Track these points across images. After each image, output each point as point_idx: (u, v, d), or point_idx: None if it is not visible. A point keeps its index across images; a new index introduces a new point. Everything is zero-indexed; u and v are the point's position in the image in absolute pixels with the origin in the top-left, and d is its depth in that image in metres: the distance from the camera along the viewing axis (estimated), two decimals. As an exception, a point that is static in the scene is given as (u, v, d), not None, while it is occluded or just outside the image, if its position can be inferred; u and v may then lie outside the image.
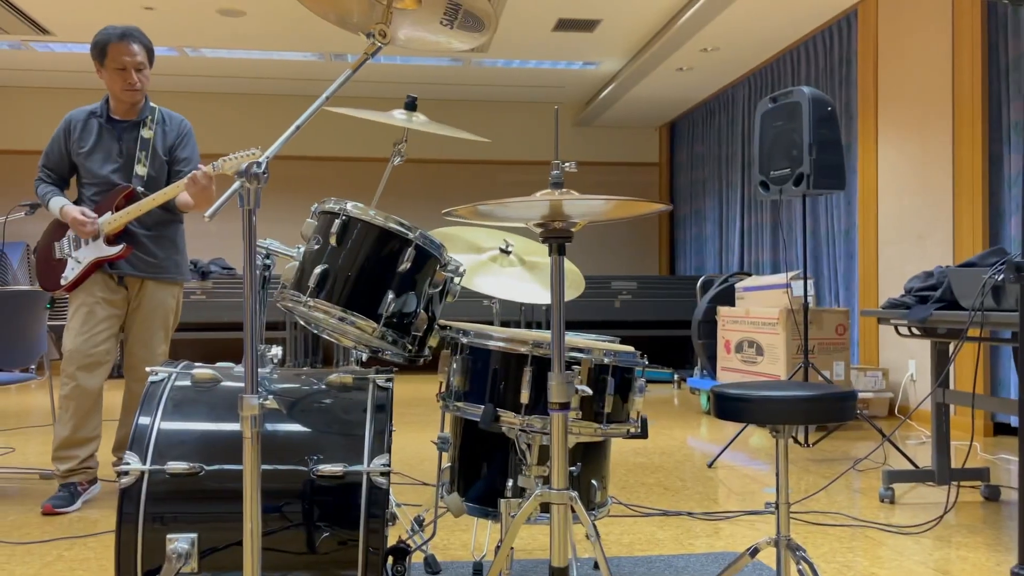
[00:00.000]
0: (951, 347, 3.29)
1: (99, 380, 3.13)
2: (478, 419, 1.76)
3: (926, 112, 5.18)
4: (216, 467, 1.66)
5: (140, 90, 3.17)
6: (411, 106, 2.62)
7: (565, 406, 1.55)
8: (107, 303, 3.14)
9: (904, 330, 3.25)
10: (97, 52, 3.11)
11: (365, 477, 1.67)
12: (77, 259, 3.11)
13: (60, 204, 3.14)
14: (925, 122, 5.18)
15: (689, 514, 2.98)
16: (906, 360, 5.34)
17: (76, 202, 3.19)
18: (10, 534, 2.76)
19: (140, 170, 3.17)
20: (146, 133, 3.21)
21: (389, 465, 1.69)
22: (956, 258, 4.90)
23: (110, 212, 3.10)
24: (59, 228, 3.20)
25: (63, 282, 3.12)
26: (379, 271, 1.78)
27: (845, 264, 6.03)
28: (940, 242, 5.05)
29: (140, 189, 3.15)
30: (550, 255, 1.57)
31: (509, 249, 2.43)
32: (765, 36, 6.64)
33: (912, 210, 5.29)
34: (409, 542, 1.83)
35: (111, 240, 3.10)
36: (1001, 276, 2.63)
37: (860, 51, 5.80)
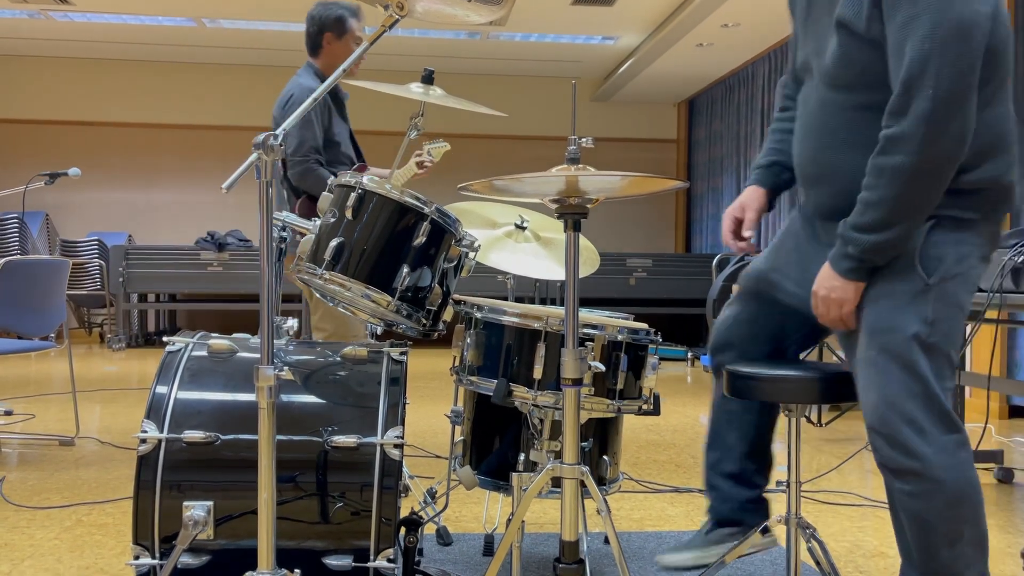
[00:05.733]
0: (968, 329, 3.27)
1: None
2: (491, 393, 1.77)
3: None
4: (232, 437, 1.68)
5: None
6: (428, 79, 2.61)
7: (578, 382, 1.55)
8: None
9: (921, 311, 3.23)
10: (336, 25, 3.15)
11: (379, 449, 1.69)
12: None
13: None
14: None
15: (700, 491, 2.99)
16: (922, 341, 5.31)
17: None
18: (30, 499, 2.80)
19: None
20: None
21: (402, 437, 1.71)
22: (976, 239, 4.85)
23: None
24: None
25: None
26: (394, 245, 1.78)
27: (863, 244, 5.98)
28: (960, 223, 4.99)
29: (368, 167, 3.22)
30: (565, 231, 1.57)
31: (524, 225, 2.42)
32: (786, 12, 6.55)
33: (932, 190, 5.23)
34: (421, 514, 1.85)
35: None
36: (1020, 258, 2.61)
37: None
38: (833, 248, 1.63)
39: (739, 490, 1.98)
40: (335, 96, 3.24)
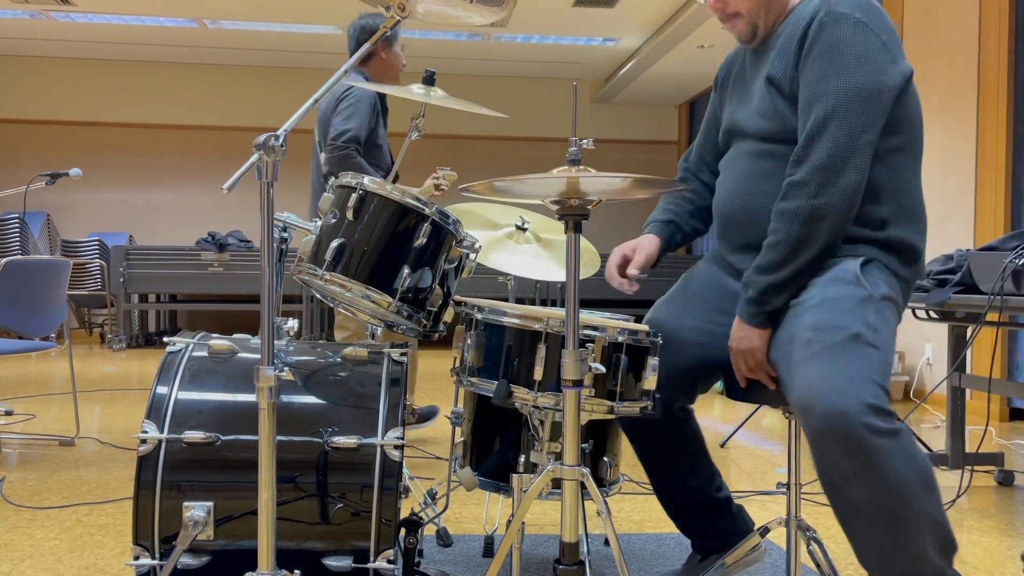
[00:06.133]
0: (969, 331, 3.27)
1: None
2: (491, 394, 1.77)
3: (951, 94, 5.10)
4: (232, 437, 1.68)
5: None
6: (429, 80, 2.61)
7: (578, 383, 1.55)
8: None
9: (922, 313, 3.23)
10: (388, 35, 3.33)
11: (379, 450, 1.68)
12: None
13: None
14: (949, 104, 5.11)
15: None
16: (923, 344, 5.31)
17: None
18: (30, 499, 2.81)
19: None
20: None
21: (403, 438, 1.71)
22: (977, 242, 4.85)
23: None
24: None
25: None
26: (395, 246, 1.78)
27: (864, 246, 5.98)
28: (961, 225, 5.00)
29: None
30: (566, 232, 1.56)
31: (525, 226, 2.42)
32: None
33: (934, 193, 5.24)
34: (421, 515, 1.85)
35: None
36: (1022, 260, 2.61)
37: (885, 30, 5.72)
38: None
39: (716, 521, 1.97)
40: (383, 103, 3.41)
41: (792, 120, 1.71)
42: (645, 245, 1.99)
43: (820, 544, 1.77)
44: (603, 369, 1.70)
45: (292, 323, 1.93)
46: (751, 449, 3.83)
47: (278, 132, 1.47)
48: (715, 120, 2.01)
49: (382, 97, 3.38)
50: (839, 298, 1.60)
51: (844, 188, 1.60)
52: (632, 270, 1.93)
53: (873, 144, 1.62)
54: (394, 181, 3.54)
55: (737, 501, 2.03)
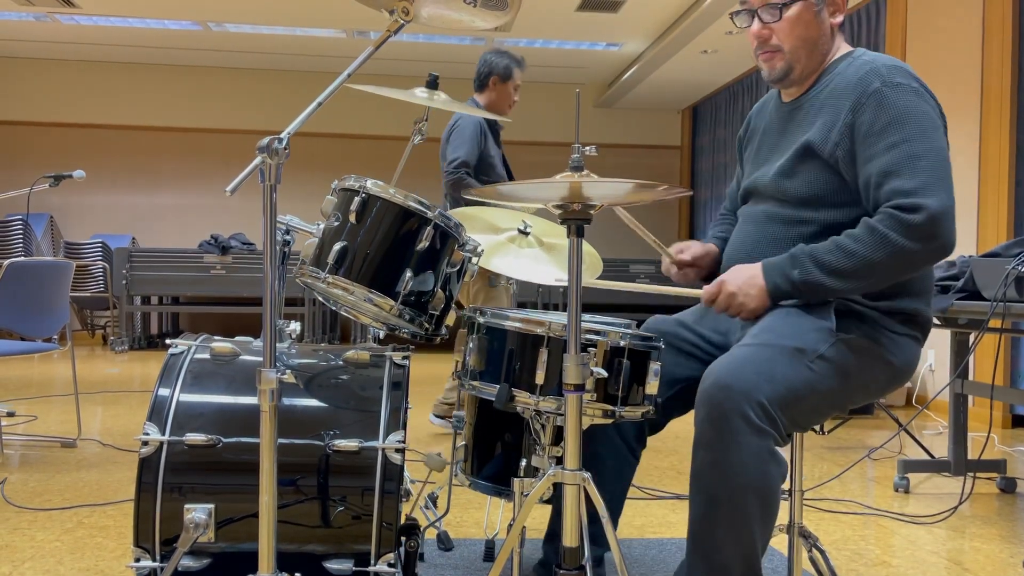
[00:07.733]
0: (971, 338, 3.27)
1: None
2: (493, 398, 1.77)
3: (954, 100, 5.10)
4: (234, 439, 1.68)
5: None
6: (433, 84, 2.62)
7: (580, 388, 1.55)
8: None
9: (924, 320, 3.22)
10: (504, 71, 3.82)
11: (380, 453, 1.68)
12: None
13: None
14: (952, 110, 5.11)
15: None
16: (925, 350, 5.30)
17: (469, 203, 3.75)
18: (31, 500, 2.81)
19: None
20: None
21: (404, 442, 1.71)
22: (980, 248, 4.84)
23: None
24: None
25: None
26: (398, 249, 1.78)
27: (866, 252, 5.97)
28: (964, 232, 4.99)
29: None
30: (568, 237, 1.56)
31: (527, 230, 2.42)
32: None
33: (936, 199, 5.23)
34: (418, 516, 1.85)
35: None
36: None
37: (888, 36, 5.72)
38: (777, 258, 1.66)
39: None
40: (492, 125, 3.77)
41: (818, 185, 1.69)
42: (700, 248, 2.01)
43: (821, 551, 1.77)
44: (605, 373, 1.69)
45: (294, 326, 1.93)
46: (753, 455, 3.82)
47: (281, 135, 1.47)
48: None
49: (491, 123, 3.75)
50: (800, 316, 1.63)
51: (942, 244, 1.57)
52: (684, 256, 1.97)
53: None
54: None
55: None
